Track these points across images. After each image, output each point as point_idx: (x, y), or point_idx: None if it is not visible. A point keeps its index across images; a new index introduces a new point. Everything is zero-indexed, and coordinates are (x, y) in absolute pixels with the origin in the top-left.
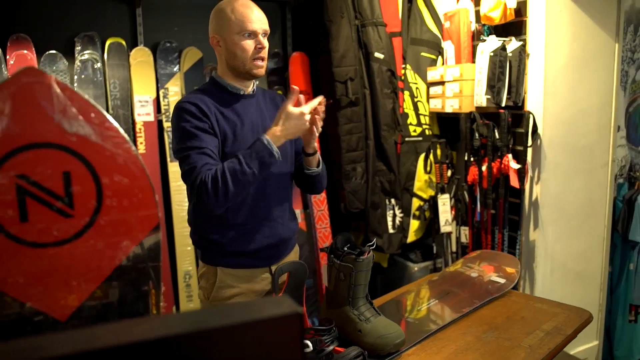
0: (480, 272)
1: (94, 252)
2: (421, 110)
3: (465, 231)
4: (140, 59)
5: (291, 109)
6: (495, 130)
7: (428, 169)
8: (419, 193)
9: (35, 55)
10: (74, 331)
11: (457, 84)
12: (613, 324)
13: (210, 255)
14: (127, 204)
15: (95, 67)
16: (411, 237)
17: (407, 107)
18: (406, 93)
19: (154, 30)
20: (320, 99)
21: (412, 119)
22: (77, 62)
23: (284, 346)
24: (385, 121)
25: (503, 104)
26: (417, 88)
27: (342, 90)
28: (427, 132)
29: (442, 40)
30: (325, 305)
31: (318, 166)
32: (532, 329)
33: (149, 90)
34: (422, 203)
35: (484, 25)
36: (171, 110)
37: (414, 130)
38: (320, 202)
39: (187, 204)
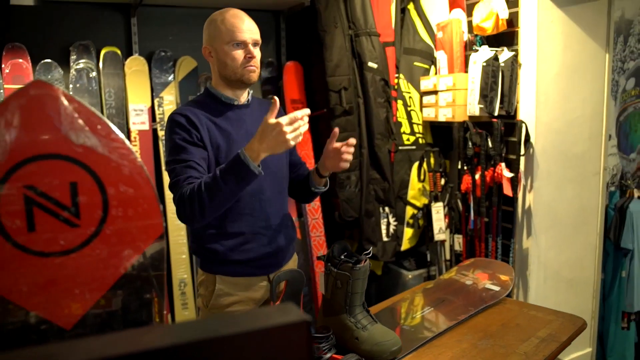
0: (475, 279)
1: (99, 261)
2: (414, 119)
3: (458, 239)
4: (135, 68)
5: (269, 121)
6: (488, 139)
7: (422, 177)
8: (413, 201)
9: (30, 64)
10: (85, 339)
11: (450, 94)
12: (606, 331)
13: (209, 263)
14: (132, 213)
15: (91, 76)
16: (405, 245)
17: (401, 116)
18: (399, 102)
19: (148, 40)
20: (304, 112)
21: (405, 127)
22: (72, 71)
23: (292, 354)
24: (379, 130)
25: (496, 113)
26: (410, 97)
27: (336, 99)
28: (420, 140)
29: (434, 50)
30: (322, 313)
31: (326, 185)
32: (527, 336)
33: (144, 99)
34: (415, 211)
35: (476, 35)
36: (166, 119)
37: (408, 139)
38: (314, 210)
39: None
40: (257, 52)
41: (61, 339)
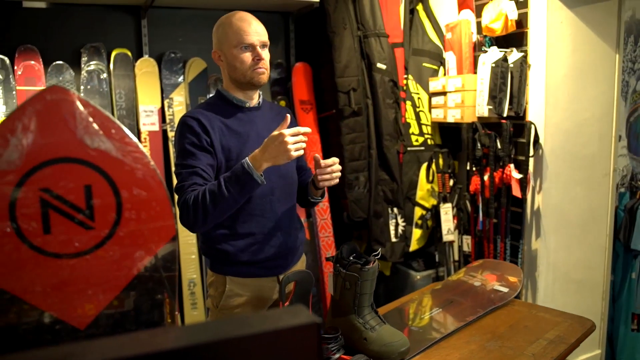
0: (483, 281)
1: (112, 262)
2: (423, 120)
3: (467, 240)
4: (146, 69)
5: (273, 132)
6: (497, 140)
7: (430, 178)
8: (422, 202)
9: (42, 65)
10: (98, 340)
11: (459, 95)
12: (615, 332)
13: (219, 264)
14: (145, 216)
15: (101, 77)
16: (414, 246)
17: (409, 117)
18: (408, 103)
19: (158, 41)
20: (305, 129)
21: (414, 128)
22: (84, 73)
23: (302, 356)
24: (388, 131)
25: (505, 114)
26: (419, 98)
27: (344, 100)
28: (429, 141)
29: (443, 51)
30: (331, 314)
31: (322, 196)
32: (535, 337)
33: (154, 100)
34: (424, 212)
35: (485, 36)
36: (176, 120)
37: (416, 140)
38: (323, 211)
39: None
40: (265, 54)
41: (75, 339)
